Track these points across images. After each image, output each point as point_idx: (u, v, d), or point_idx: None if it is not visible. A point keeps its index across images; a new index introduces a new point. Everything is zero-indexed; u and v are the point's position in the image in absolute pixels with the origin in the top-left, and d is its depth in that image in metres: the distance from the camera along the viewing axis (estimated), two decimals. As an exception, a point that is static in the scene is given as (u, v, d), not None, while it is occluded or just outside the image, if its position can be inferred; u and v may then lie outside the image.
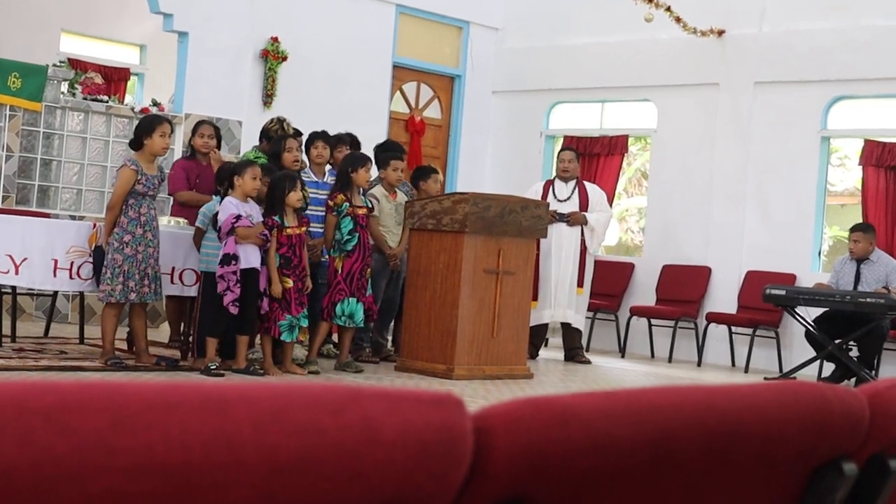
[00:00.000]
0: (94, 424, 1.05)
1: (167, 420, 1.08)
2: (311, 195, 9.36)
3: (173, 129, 8.91)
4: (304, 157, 9.72)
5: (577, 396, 1.47)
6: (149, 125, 8.51)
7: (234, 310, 8.28)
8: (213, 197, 8.82)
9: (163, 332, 10.79)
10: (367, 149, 10.38)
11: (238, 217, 8.28)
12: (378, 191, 10.07)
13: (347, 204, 9.12)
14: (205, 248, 8.59)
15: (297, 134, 9.80)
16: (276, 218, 8.51)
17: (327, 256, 9.30)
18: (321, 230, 9.35)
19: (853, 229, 11.25)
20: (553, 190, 11.74)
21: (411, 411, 1.24)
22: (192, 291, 9.04)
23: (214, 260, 8.42)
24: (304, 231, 8.75)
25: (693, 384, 1.68)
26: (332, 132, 10.16)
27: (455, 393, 1.32)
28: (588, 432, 1.42)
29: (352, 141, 10.48)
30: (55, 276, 8.57)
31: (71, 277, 8.62)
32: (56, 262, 8.53)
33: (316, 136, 9.85)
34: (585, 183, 12.02)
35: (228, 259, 8.28)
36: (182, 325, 9.50)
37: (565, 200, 11.66)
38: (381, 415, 1.21)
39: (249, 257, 8.34)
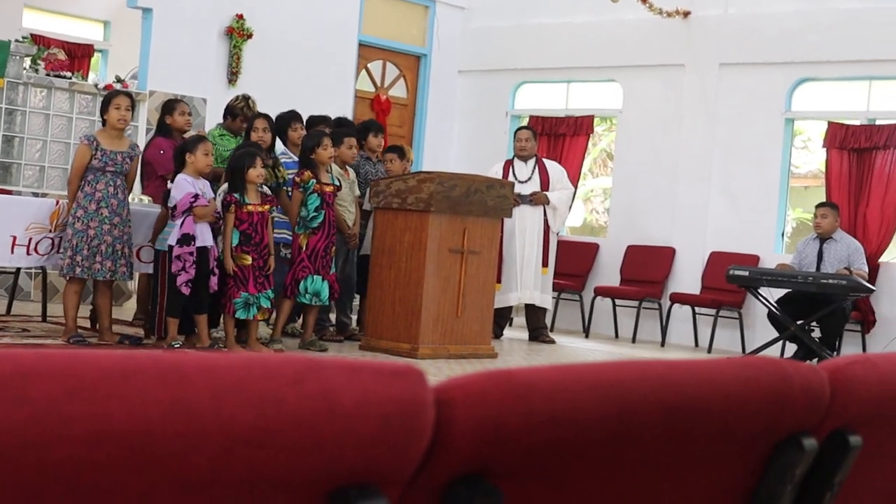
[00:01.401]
0: (51, 393, 1.04)
1: (125, 389, 1.08)
2: (290, 175, 9.32)
3: (135, 104, 8.83)
4: (278, 138, 9.67)
5: (538, 370, 1.47)
6: (105, 100, 8.53)
7: (185, 290, 8.20)
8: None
9: (127, 310, 10.74)
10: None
11: (196, 196, 8.22)
12: (334, 169, 10.03)
13: (314, 181, 9.09)
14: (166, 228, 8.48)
15: (265, 117, 9.76)
16: (236, 195, 8.44)
17: (292, 234, 9.26)
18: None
19: (819, 206, 11.31)
20: (513, 170, 11.72)
21: (371, 383, 1.24)
22: (149, 269, 8.94)
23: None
24: (268, 209, 8.66)
25: (654, 360, 1.69)
26: (297, 111, 10.12)
27: (416, 365, 1.32)
28: (548, 405, 1.42)
29: (337, 123, 10.50)
30: (12, 252, 8.50)
31: (28, 253, 8.54)
32: (14, 238, 8.46)
33: (294, 117, 9.82)
34: (545, 161, 12.01)
35: (187, 239, 8.20)
36: (149, 303, 9.43)
37: (526, 181, 11.65)
38: (341, 386, 1.21)
39: (204, 236, 8.28)
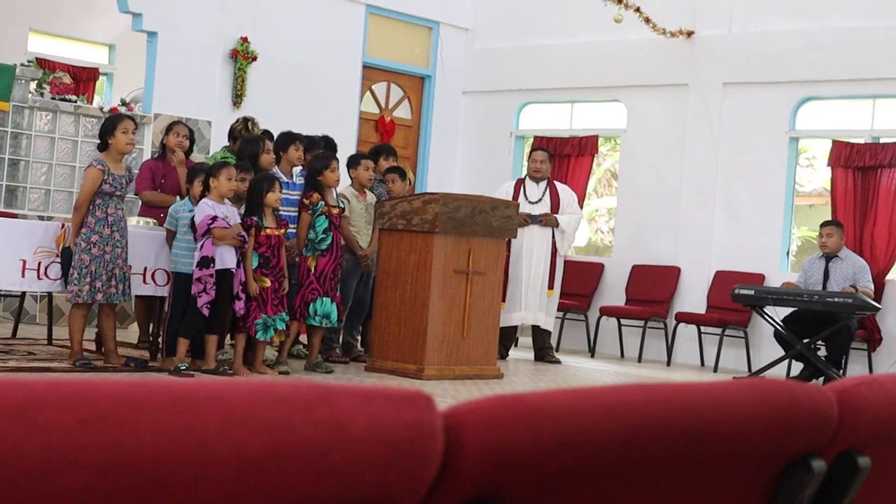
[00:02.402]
0: (63, 422, 1.04)
1: (136, 418, 1.08)
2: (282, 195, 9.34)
3: (137, 127, 8.85)
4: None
5: (547, 394, 1.47)
6: (110, 124, 8.50)
7: (206, 312, 8.28)
8: (177, 198, 8.81)
9: (132, 332, 10.74)
10: (342, 151, 10.40)
11: (214, 218, 8.27)
12: (348, 191, 10.05)
13: (323, 203, 9.12)
14: (175, 248, 8.57)
15: (268, 135, 9.80)
16: (255, 218, 8.52)
17: (299, 257, 9.27)
18: (293, 231, 9.32)
19: (825, 224, 11.31)
20: (524, 190, 11.73)
21: (381, 409, 1.24)
22: (163, 291, 9.00)
23: (184, 260, 8.41)
24: (284, 233, 8.74)
25: (662, 382, 1.69)
26: (302, 133, 10.14)
27: (425, 391, 1.32)
28: (558, 429, 1.42)
29: (326, 143, 10.49)
30: (23, 276, 8.51)
31: (39, 278, 8.56)
32: (24, 262, 8.48)
33: (295, 138, 9.85)
34: (556, 183, 12.02)
35: (206, 262, 8.27)
36: (151, 325, 9.46)
37: (537, 202, 11.66)
38: (351, 412, 1.21)
39: (224, 258, 8.33)
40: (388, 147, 11.43)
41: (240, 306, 8.46)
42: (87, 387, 1.08)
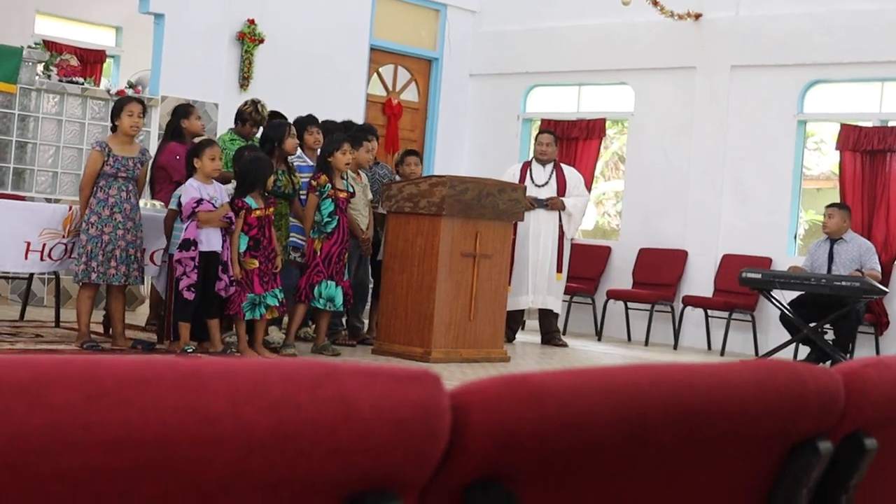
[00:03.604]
0: (70, 399, 1.04)
1: (143, 395, 1.08)
2: (303, 179, 9.34)
3: (145, 109, 8.85)
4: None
5: (553, 375, 1.47)
6: (118, 106, 8.54)
7: (188, 295, 8.22)
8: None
9: (140, 315, 10.76)
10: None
11: (199, 201, 8.24)
12: (349, 175, 10.02)
13: (329, 185, 9.11)
14: (176, 231, 8.51)
15: (277, 116, 9.80)
16: (245, 200, 8.46)
17: (306, 238, 9.26)
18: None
19: (828, 206, 11.31)
20: (531, 173, 11.71)
21: (388, 388, 1.24)
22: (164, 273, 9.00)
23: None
24: (272, 211, 8.68)
25: (668, 363, 1.69)
26: (314, 115, 10.14)
27: (432, 370, 1.32)
28: (563, 410, 1.42)
29: (346, 127, 10.44)
30: (26, 258, 8.54)
31: (42, 259, 8.59)
32: (28, 244, 8.50)
33: (312, 122, 9.82)
34: (563, 166, 12.00)
35: (188, 244, 8.23)
36: (162, 308, 9.47)
37: (543, 185, 11.64)
38: (357, 391, 1.21)
39: (211, 240, 8.30)
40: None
41: (220, 286, 8.40)
42: (94, 364, 1.08)
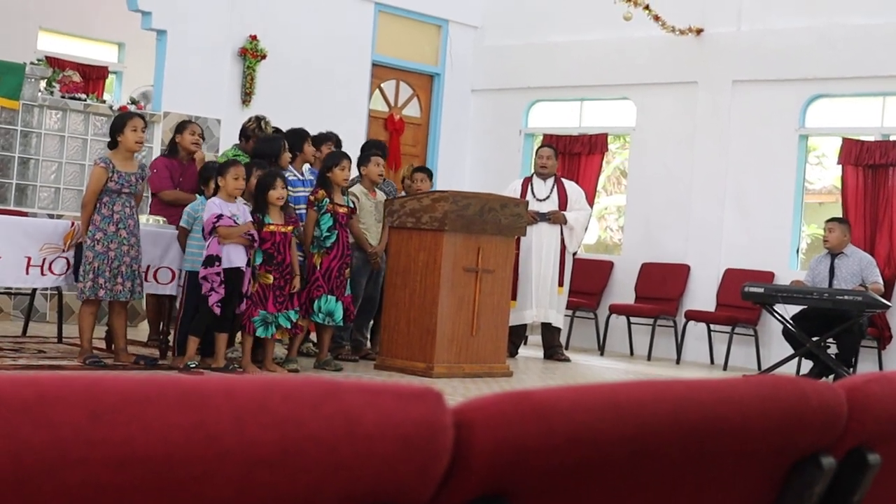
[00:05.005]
0: (73, 417, 1.04)
1: (147, 413, 1.08)
2: (294, 194, 9.36)
3: (147, 125, 8.87)
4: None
5: (556, 391, 1.48)
6: (120, 122, 8.52)
7: (218, 310, 8.29)
8: (196, 196, 8.85)
9: (142, 331, 10.76)
10: (348, 147, 10.37)
11: (219, 217, 8.28)
12: (358, 189, 10.05)
13: (328, 200, 9.12)
14: (189, 247, 8.60)
15: (279, 132, 9.83)
16: (259, 215, 8.53)
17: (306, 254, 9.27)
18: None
19: (828, 221, 11.32)
20: (532, 188, 11.73)
21: (391, 405, 1.25)
22: (167, 290, 9.05)
23: (197, 259, 8.42)
24: (291, 230, 8.73)
25: (672, 378, 1.69)
26: (311, 131, 10.13)
27: (434, 387, 1.32)
28: (568, 426, 1.42)
29: (336, 140, 10.45)
30: (27, 273, 8.55)
31: (43, 274, 8.60)
32: (29, 259, 8.51)
33: (307, 135, 9.82)
34: (564, 180, 12.01)
35: (211, 260, 8.28)
36: (161, 323, 9.48)
37: (545, 199, 11.65)
38: (360, 408, 1.21)
39: (232, 257, 8.33)
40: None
41: (243, 307, 8.47)
42: (97, 382, 1.08)
